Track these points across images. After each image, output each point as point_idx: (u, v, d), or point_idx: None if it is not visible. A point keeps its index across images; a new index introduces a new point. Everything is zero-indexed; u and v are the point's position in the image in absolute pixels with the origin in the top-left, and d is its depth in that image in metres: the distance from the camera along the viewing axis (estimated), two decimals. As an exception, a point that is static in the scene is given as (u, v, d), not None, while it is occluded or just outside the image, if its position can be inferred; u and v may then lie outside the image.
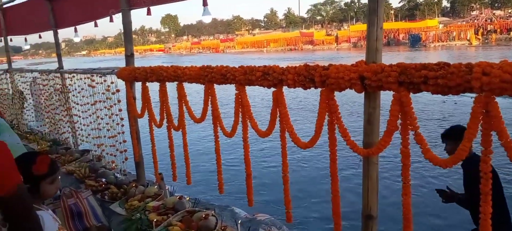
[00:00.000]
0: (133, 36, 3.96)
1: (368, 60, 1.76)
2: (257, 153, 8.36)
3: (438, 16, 77.02)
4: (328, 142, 1.90)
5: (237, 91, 2.39)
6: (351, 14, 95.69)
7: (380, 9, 1.76)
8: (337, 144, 1.91)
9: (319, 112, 1.85)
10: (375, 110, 1.80)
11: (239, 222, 3.25)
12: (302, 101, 15.10)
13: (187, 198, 3.41)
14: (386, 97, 1.75)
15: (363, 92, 1.75)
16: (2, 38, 7.18)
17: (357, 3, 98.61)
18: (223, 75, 2.44)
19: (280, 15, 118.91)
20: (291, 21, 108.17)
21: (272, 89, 2.15)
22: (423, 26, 61.75)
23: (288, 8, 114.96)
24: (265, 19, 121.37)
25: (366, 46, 1.79)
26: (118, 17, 3.84)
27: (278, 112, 2.13)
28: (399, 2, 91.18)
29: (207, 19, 2.99)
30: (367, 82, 1.65)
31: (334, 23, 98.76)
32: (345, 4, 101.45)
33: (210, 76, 2.54)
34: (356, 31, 68.63)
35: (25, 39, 7.05)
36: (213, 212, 3.10)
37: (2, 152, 1.33)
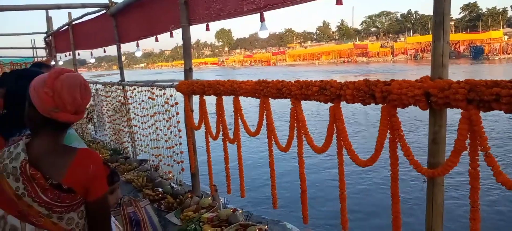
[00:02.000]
0: (190, 50, 4.07)
1: (434, 76, 1.68)
2: (311, 166, 8.25)
3: (503, 27, 72.11)
4: (390, 161, 1.82)
5: (292, 106, 2.38)
6: (408, 25, 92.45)
7: (446, 23, 1.68)
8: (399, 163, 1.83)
9: (380, 129, 1.78)
10: (441, 128, 1.70)
11: (292, 238, 3.21)
12: (356, 114, 14.75)
13: (240, 211, 3.43)
14: (453, 114, 1.66)
15: (428, 110, 1.67)
16: (71, 52, 7.78)
17: (414, 15, 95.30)
18: (278, 89, 2.43)
19: (333, 27, 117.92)
20: (345, 33, 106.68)
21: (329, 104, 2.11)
22: (486, 38, 58.17)
23: (341, 20, 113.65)
24: (318, 31, 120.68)
25: (431, 61, 1.71)
26: (176, 33, 4.01)
27: (335, 128, 2.09)
28: (460, 13, 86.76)
29: (263, 35, 3.02)
30: (432, 99, 1.57)
31: (390, 35, 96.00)
32: (402, 15, 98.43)
33: (265, 91, 2.55)
34: (413, 43, 66.17)
35: (91, 53, 7.57)
36: (266, 226, 3.09)
37: (96, 161, 1.45)
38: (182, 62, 3.82)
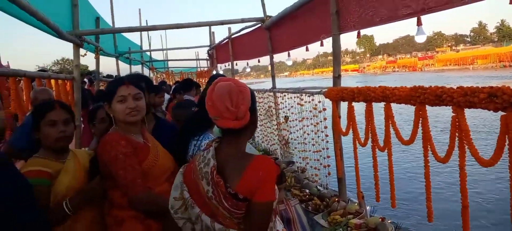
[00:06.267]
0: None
1: None
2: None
3: None
4: None
5: (454, 114, 2.25)
6: None
7: None
8: None
9: None
10: None
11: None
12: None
13: (389, 221, 3.35)
14: None
15: None
16: (229, 62, 8.70)
17: None
18: (438, 96, 2.32)
19: (491, 28, 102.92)
20: (505, 34, 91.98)
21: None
22: None
23: (502, 20, 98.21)
24: (472, 33, 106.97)
25: None
26: (326, 41, 4.14)
27: (506, 139, 1.91)
28: None
29: (421, 39, 2.91)
30: None
31: None
32: None
33: (422, 97, 2.46)
34: None
35: (247, 63, 8.34)
36: (417, 239, 2.96)
37: (267, 167, 1.47)
38: (323, 70, 3.99)
